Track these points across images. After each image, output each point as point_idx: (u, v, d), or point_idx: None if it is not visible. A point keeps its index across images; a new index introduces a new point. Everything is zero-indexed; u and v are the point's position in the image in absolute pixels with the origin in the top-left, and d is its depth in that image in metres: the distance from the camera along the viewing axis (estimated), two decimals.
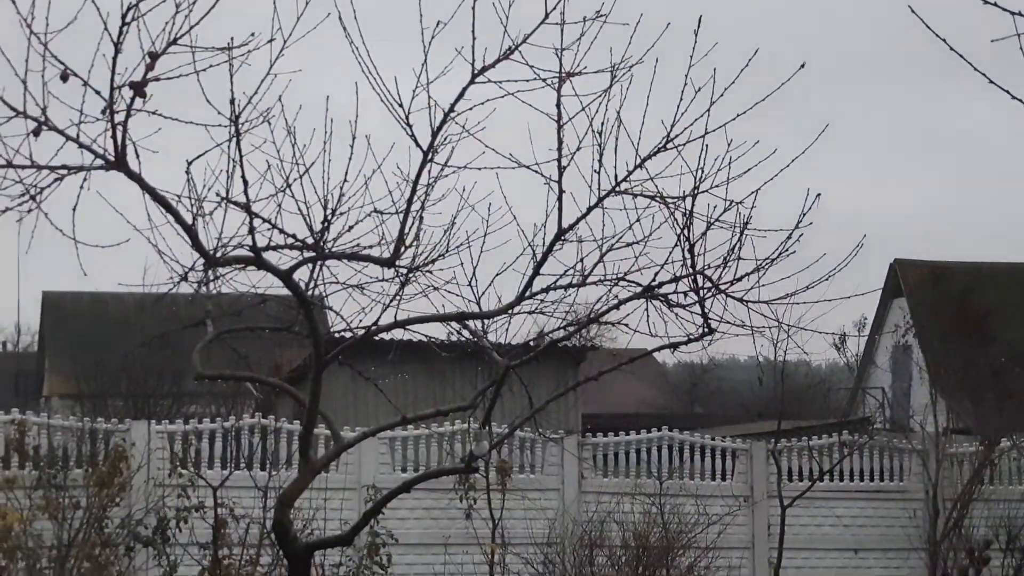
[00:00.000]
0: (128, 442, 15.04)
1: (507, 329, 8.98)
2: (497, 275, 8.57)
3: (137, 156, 7.50)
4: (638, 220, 8.20)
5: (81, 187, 7.43)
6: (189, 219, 7.55)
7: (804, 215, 7.61)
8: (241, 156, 7.53)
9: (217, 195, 7.37)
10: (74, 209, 7.40)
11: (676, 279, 7.91)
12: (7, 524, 12.71)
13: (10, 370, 46.89)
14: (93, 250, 8.77)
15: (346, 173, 7.68)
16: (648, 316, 8.19)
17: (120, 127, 7.41)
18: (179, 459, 15.21)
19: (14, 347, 57.75)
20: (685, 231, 7.75)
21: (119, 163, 7.39)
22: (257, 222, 7.66)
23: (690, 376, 50.34)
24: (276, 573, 10.29)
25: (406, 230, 7.96)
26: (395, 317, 8.35)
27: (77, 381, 32.83)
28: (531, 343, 9.23)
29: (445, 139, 7.98)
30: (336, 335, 9.08)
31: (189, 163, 7.50)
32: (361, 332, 8.41)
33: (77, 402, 29.49)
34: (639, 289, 7.96)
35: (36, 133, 7.39)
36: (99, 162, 7.44)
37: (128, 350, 30.88)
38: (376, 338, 9.05)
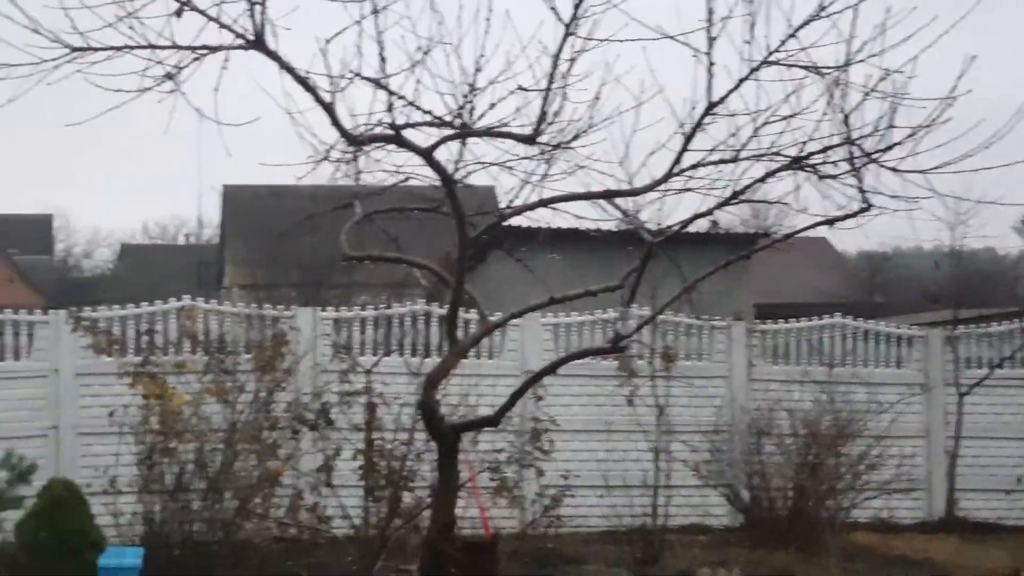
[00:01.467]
0: (294, 328, 15.21)
1: (660, 209, 8.77)
2: (651, 154, 8.33)
3: (275, 36, 7.45)
4: (794, 92, 7.89)
5: (222, 67, 7.42)
6: (328, 98, 7.48)
7: (960, 79, 7.17)
8: (379, 33, 7.41)
9: (352, 72, 7.28)
10: (216, 89, 7.39)
11: (826, 149, 7.59)
12: (175, 406, 13.00)
13: (193, 262, 48.23)
14: (266, 143, 8.78)
15: (483, 49, 7.50)
16: (800, 193, 7.93)
17: (259, 6, 7.33)
18: (341, 345, 15.37)
19: (196, 239, 59.37)
20: (839, 101, 7.43)
21: (258, 43, 7.34)
22: (396, 101, 7.56)
23: (870, 265, 49.22)
24: (428, 456, 10.29)
25: (548, 106, 7.77)
26: (540, 196, 8.20)
27: (255, 271, 33.57)
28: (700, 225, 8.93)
29: (587, 12, 7.74)
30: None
31: (327, 41, 7.41)
32: (507, 212, 8.28)
33: (254, 293, 30.12)
34: (788, 161, 7.68)
35: (179, 14, 7.37)
36: (239, 42, 7.39)
37: (299, 241, 31.47)
38: (527, 226, 8.95)
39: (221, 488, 12.93)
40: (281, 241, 32.55)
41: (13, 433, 14.95)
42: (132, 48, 7.06)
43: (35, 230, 62.53)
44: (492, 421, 8.71)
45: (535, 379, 8.71)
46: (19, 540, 12.47)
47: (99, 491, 13.13)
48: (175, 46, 7.21)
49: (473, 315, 16.09)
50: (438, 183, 8.25)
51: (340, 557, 11.42)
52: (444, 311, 16.35)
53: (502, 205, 8.47)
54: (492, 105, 7.88)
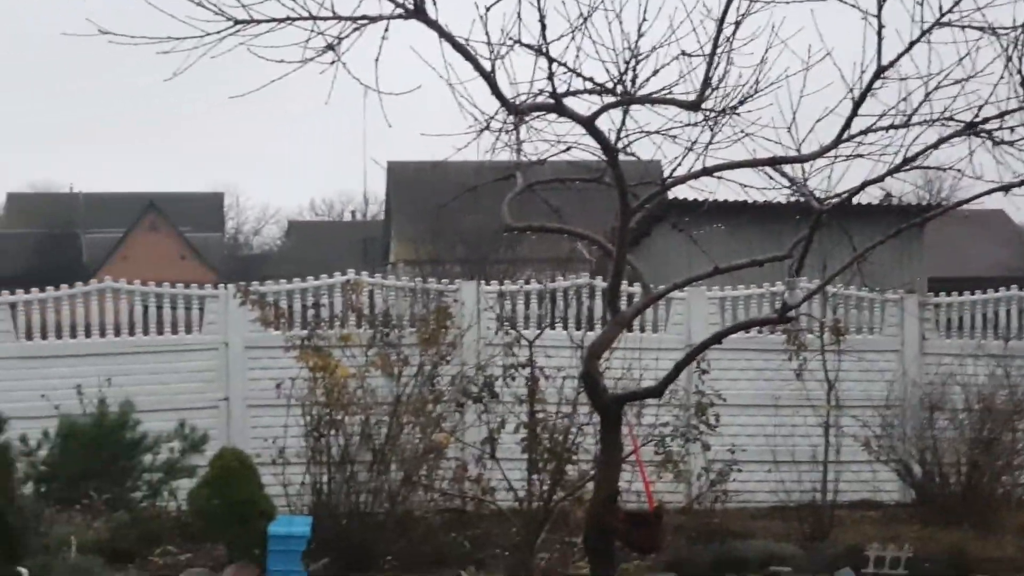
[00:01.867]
0: (458, 302, 15.26)
1: (828, 177, 8.53)
2: (819, 120, 8.10)
3: (435, 4, 7.40)
4: (968, 54, 7.58)
5: (383, 37, 7.40)
6: (488, 67, 7.41)
7: None
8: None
9: (512, 39, 7.19)
10: (376, 60, 7.37)
11: (1003, 114, 7.28)
12: (341, 379, 13.14)
13: (358, 238, 48.87)
14: (427, 115, 8.77)
15: (645, 14, 7.35)
16: (974, 160, 7.64)
17: None
18: (505, 318, 15.38)
19: (362, 216, 60.17)
20: (1016, 63, 7.11)
21: (418, 11, 7.30)
22: (557, 68, 7.45)
23: None
24: (590, 429, 10.22)
25: (712, 71, 7.60)
26: (703, 164, 8.03)
27: (419, 247, 33.86)
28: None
29: None
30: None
31: (487, 9, 7.33)
32: (671, 181, 8.13)
33: (419, 268, 30.37)
34: (962, 126, 7.39)
35: None
36: (399, 11, 7.36)
37: (463, 216, 31.60)
38: (691, 199, 8.75)
39: (387, 460, 13.03)
40: (445, 216, 32.77)
41: (186, 404, 15.35)
42: (294, 20, 7.08)
43: (206, 208, 64.05)
44: (655, 392, 8.58)
45: (699, 349, 8.54)
46: (192, 508, 12.76)
47: (268, 461, 13.35)
48: (336, 16, 7.21)
49: (636, 288, 16.00)
50: (599, 153, 8.12)
51: (504, 529, 11.43)
52: (597, 283, 16.33)
53: (665, 175, 8.30)
54: (655, 71, 7.72)
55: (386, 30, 7.21)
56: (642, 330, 15.79)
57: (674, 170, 8.04)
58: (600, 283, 16.09)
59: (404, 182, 42.17)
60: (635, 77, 7.73)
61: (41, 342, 15.62)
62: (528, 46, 7.19)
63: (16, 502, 7.28)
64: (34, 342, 15.56)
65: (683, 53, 7.70)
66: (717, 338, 8.59)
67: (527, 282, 16.72)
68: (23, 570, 7.55)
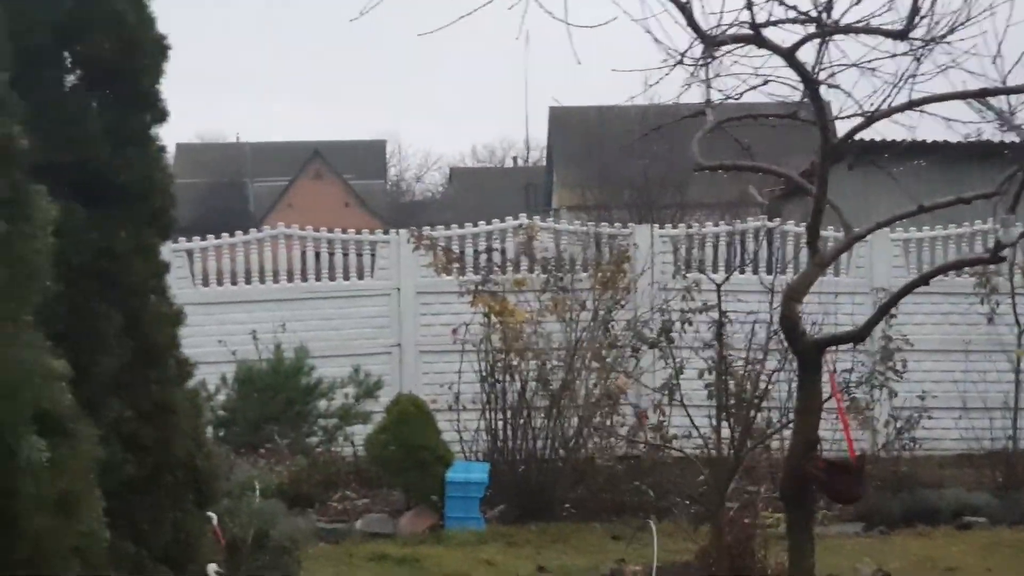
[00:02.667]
0: (631, 245, 14.96)
1: None
2: None
3: None
4: None
5: None
6: None
7: None
8: None
9: None
10: None
11: None
12: (515, 324, 12.99)
13: (520, 184, 48.76)
14: (595, 67, 8.46)
15: None
16: None
17: None
18: (682, 262, 15.06)
19: (524, 162, 60.05)
20: None
21: None
22: None
23: None
24: (780, 375, 9.86)
25: None
26: (909, 97, 7.58)
27: (583, 192, 33.59)
28: None
29: None
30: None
31: None
32: (873, 114, 7.69)
33: (584, 214, 30.13)
34: None
35: None
36: None
37: (629, 161, 31.25)
38: (889, 140, 8.32)
39: (563, 406, 12.87)
40: (610, 162, 32.47)
41: (358, 351, 15.35)
42: None
43: (369, 156, 64.57)
44: (857, 337, 8.17)
45: (906, 291, 8.11)
46: (369, 453, 12.74)
47: (444, 407, 13.29)
48: None
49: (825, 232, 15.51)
50: (795, 87, 7.73)
51: (686, 477, 11.16)
52: (790, 227, 15.85)
53: (865, 108, 7.85)
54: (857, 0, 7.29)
55: None
56: (823, 274, 15.30)
57: (876, 105, 7.58)
58: (792, 227, 15.65)
59: (566, 128, 41.85)
60: (833, 3, 7.33)
61: (217, 288, 15.75)
62: None
63: (205, 446, 7.19)
64: (211, 288, 15.70)
65: None
66: (924, 279, 8.17)
67: (703, 225, 16.27)
68: (212, 515, 7.51)
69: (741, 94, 7.54)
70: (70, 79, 6.72)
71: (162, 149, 7.10)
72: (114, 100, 6.80)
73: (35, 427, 4.26)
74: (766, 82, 7.45)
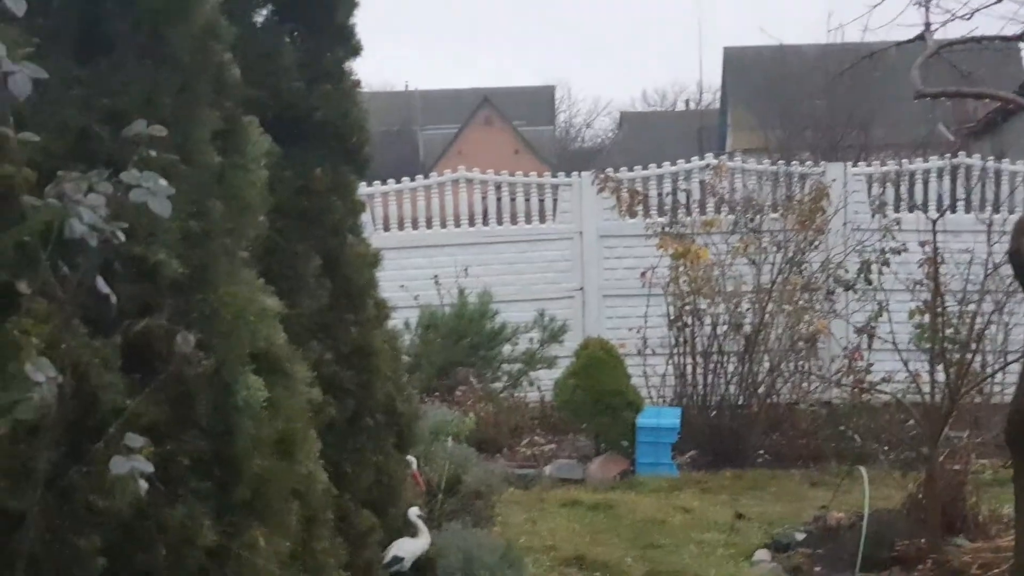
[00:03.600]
0: (826, 183, 14.41)
1: None
2: None
3: None
4: None
5: None
6: None
7: None
8: None
9: None
10: None
11: None
12: (704, 266, 12.63)
13: (692, 127, 48.01)
14: (771, 5, 8.00)
15: None
16: None
17: None
18: (879, 200, 14.51)
19: (696, 105, 59.12)
20: None
21: None
22: None
23: None
24: (997, 318, 9.38)
25: None
26: None
27: (764, 133, 32.86)
28: None
29: None
30: None
31: None
32: None
33: (761, 156, 29.48)
34: None
35: None
36: None
37: (808, 101, 30.45)
38: None
39: (756, 349, 12.51)
40: (788, 102, 31.69)
41: (540, 295, 15.16)
42: None
43: (538, 102, 64.27)
44: None
45: None
46: (557, 398, 12.58)
47: (632, 352, 13.04)
48: None
49: (1017, 167, 14.81)
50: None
51: (893, 422, 10.74)
52: (1003, 165, 15.07)
53: None
54: None
55: None
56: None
57: None
58: (1007, 165, 14.95)
59: (741, 68, 41.04)
60: None
61: (398, 233, 15.69)
62: None
63: (405, 390, 7.05)
64: (391, 233, 15.63)
65: None
66: None
67: (900, 164, 15.60)
68: (412, 458, 7.38)
69: (969, 15, 7.06)
70: (262, 12, 6.55)
71: (357, 84, 6.89)
72: (307, 34, 6.63)
73: (251, 366, 4.10)
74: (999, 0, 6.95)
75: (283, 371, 4.39)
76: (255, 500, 3.98)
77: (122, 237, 3.26)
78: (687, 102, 63.78)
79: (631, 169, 15.53)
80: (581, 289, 15.39)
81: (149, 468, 3.17)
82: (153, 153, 3.37)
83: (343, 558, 4.55)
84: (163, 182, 3.24)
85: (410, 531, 6.90)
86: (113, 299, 3.39)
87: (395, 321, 13.66)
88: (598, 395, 11.89)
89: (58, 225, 3.14)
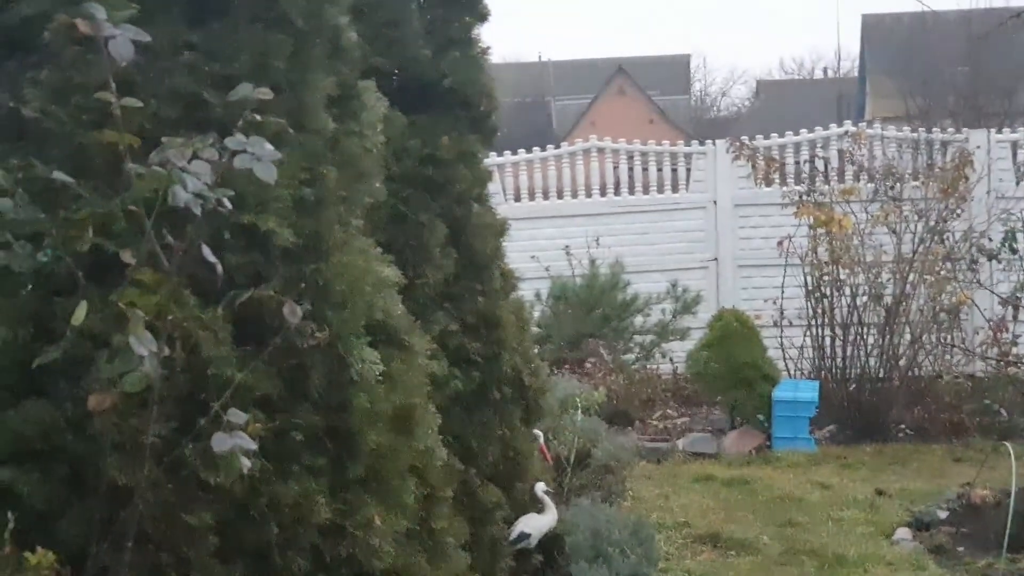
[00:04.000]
0: (970, 149, 13.89)
1: None
2: None
3: None
4: None
5: None
6: None
7: None
8: None
9: None
10: None
11: None
12: (844, 235, 12.25)
13: (830, 96, 47.07)
14: None
15: None
16: None
17: None
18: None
19: (834, 73, 58.00)
20: None
21: None
22: None
23: None
24: None
25: None
26: None
27: (903, 101, 32.08)
28: None
29: None
30: None
31: None
32: None
33: (901, 124, 28.76)
34: None
35: None
36: None
37: (954, 68, 29.63)
38: None
39: (897, 321, 12.12)
40: (929, 69, 30.88)
41: (673, 265, 14.90)
42: None
43: (673, 71, 63.55)
44: None
45: None
46: (690, 370, 12.37)
47: (767, 323, 12.74)
48: None
49: None
50: None
51: None
52: None
53: None
54: None
55: None
56: None
57: None
58: None
59: (879, 35, 40.09)
60: None
61: (528, 203, 15.54)
62: None
63: (532, 362, 6.89)
64: (521, 203, 15.49)
65: None
66: None
67: None
68: (539, 432, 7.22)
69: None
70: None
71: (485, 52, 6.73)
72: (434, 0, 6.49)
73: (368, 338, 3.97)
74: None
75: (401, 343, 4.26)
76: (371, 477, 3.86)
77: (229, 205, 3.16)
78: (825, 70, 62.64)
79: (767, 137, 15.16)
80: (715, 259, 15.08)
81: (252, 445, 3.05)
82: (260, 118, 3.25)
83: (464, 536, 4.40)
84: (269, 147, 3.11)
85: (537, 507, 6.76)
86: (219, 268, 3.28)
87: (525, 292, 13.58)
88: (733, 367, 11.63)
89: (163, 193, 3.05)
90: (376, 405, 3.91)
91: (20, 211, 3.33)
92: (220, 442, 3.00)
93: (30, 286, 3.51)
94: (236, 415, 3.07)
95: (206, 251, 3.18)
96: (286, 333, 3.56)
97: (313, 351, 3.75)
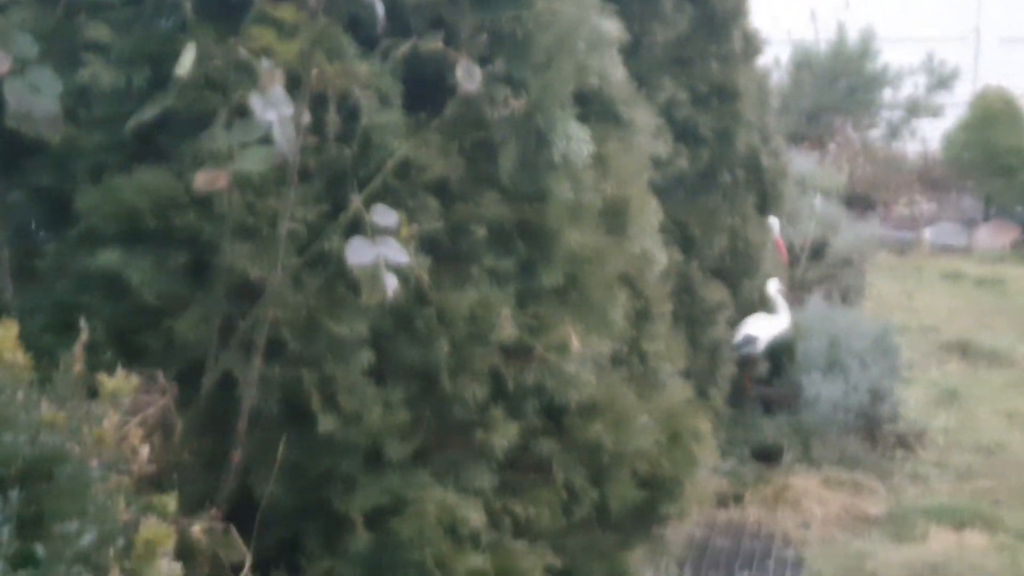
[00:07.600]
0: None
1: None
2: None
3: None
4: None
5: None
6: None
7: None
8: None
9: None
10: None
11: None
12: None
13: None
14: None
15: None
16: None
17: None
18: None
19: None
20: None
21: None
22: None
23: None
24: None
25: None
26: None
27: None
28: None
29: None
30: None
31: None
32: None
33: None
34: None
35: None
36: None
37: None
38: None
39: None
40: None
41: (931, 36, 13.58)
42: None
43: None
44: None
45: None
46: (944, 153, 11.30)
47: None
48: None
49: None
50: None
51: None
52: None
53: None
54: None
55: None
56: None
57: None
58: None
59: None
60: None
61: None
62: None
63: (772, 140, 6.00)
64: None
65: None
66: None
67: None
68: (775, 221, 6.32)
69: None
70: None
71: None
72: None
73: (576, 109, 3.08)
74: None
75: (618, 117, 3.38)
76: (569, 287, 3.03)
77: None
78: None
79: None
80: (976, 30, 13.68)
81: (403, 259, 2.24)
82: None
83: (682, 361, 3.56)
84: None
85: (767, 307, 5.90)
86: (380, 9, 2.44)
87: (764, 59, 12.56)
88: (992, 152, 10.57)
89: None
90: (582, 195, 3.06)
91: None
92: (357, 252, 2.19)
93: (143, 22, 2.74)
94: (384, 213, 2.26)
95: None
96: (471, 99, 2.74)
97: (505, 123, 2.91)
